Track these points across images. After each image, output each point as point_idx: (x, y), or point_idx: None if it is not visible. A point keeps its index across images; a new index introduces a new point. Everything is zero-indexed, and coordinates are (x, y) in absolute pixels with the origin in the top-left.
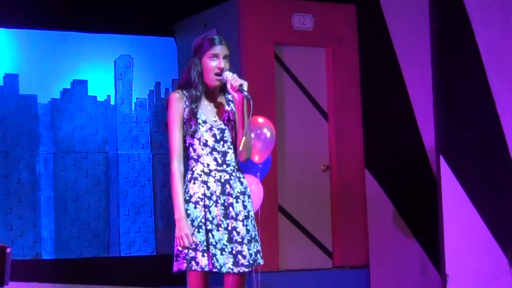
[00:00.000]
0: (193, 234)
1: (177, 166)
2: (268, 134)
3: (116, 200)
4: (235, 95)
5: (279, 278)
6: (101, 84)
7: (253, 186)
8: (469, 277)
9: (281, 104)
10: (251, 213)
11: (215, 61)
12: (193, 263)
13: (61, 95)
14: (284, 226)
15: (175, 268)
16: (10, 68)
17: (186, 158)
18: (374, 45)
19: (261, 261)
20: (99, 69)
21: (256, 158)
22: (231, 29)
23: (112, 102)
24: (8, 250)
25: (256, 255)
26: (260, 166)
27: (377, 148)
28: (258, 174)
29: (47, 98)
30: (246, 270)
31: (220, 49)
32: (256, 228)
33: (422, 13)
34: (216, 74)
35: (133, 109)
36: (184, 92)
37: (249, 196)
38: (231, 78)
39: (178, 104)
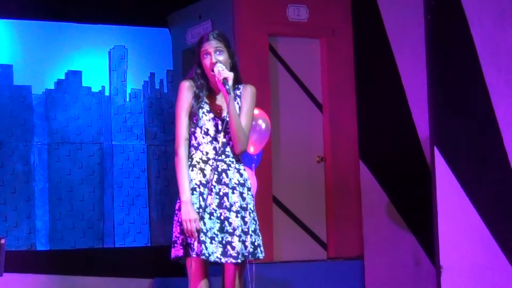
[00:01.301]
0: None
1: (183, 151)
2: (263, 126)
3: (111, 191)
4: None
5: (274, 269)
6: (95, 75)
7: None
8: (463, 268)
9: (276, 95)
10: (251, 206)
11: (207, 58)
12: (189, 249)
13: (55, 86)
14: (278, 217)
15: (172, 255)
16: (4, 58)
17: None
18: (369, 36)
19: (260, 256)
20: (94, 59)
21: (252, 150)
22: (226, 20)
23: (107, 93)
24: (2, 241)
25: (255, 248)
26: (256, 157)
27: (371, 139)
28: (253, 165)
29: (41, 89)
30: (234, 261)
31: (209, 45)
32: (257, 222)
33: (416, 5)
34: (212, 70)
35: (127, 100)
36: (194, 84)
37: (249, 189)
38: (217, 73)
39: (187, 93)
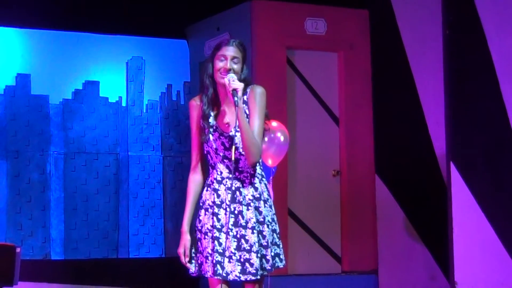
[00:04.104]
0: (198, 240)
1: (191, 177)
2: (282, 138)
3: (126, 201)
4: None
5: (288, 282)
6: (113, 85)
7: None
8: (478, 284)
9: (293, 108)
10: (268, 218)
11: (222, 62)
12: (201, 268)
13: (72, 96)
14: (293, 230)
15: (190, 271)
16: (22, 68)
17: (207, 164)
18: (387, 50)
19: (280, 264)
20: (111, 70)
21: (270, 162)
22: (244, 33)
23: (124, 104)
24: (18, 250)
25: (273, 258)
26: (274, 170)
27: (387, 153)
28: (271, 177)
29: (58, 99)
30: (253, 278)
31: (228, 50)
32: (277, 231)
33: (435, 20)
34: (221, 74)
35: (144, 111)
36: (201, 97)
37: (266, 201)
38: (228, 83)
39: (194, 113)
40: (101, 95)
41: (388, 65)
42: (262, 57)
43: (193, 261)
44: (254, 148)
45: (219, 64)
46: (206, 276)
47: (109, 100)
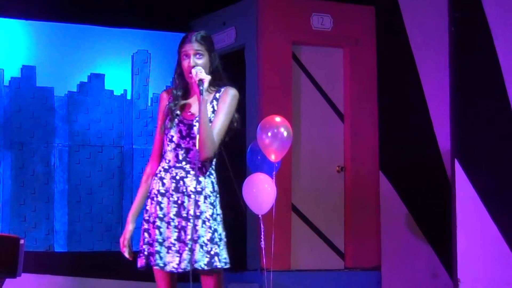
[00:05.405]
0: (146, 231)
1: (148, 168)
2: (285, 134)
3: (130, 194)
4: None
5: (291, 278)
6: (118, 78)
7: (266, 185)
8: (481, 281)
9: (298, 103)
10: (207, 215)
11: (186, 60)
12: (151, 259)
13: (78, 88)
14: (297, 226)
15: (138, 264)
16: (28, 60)
17: None
18: (392, 47)
19: (218, 265)
20: (117, 63)
21: (273, 157)
22: (250, 27)
23: (129, 97)
24: (21, 241)
25: (212, 257)
26: (276, 165)
27: (392, 150)
28: (274, 173)
29: (63, 91)
30: (188, 270)
31: (189, 47)
32: (218, 231)
33: (441, 17)
34: (190, 73)
35: (149, 104)
36: (173, 89)
37: (206, 197)
38: (194, 74)
39: (160, 104)
40: (106, 88)
41: (394, 62)
42: (268, 52)
43: (141, 254)
44: (209, 141)
45: (184, 64)
46: (154, 267)
47: (114, 93)
